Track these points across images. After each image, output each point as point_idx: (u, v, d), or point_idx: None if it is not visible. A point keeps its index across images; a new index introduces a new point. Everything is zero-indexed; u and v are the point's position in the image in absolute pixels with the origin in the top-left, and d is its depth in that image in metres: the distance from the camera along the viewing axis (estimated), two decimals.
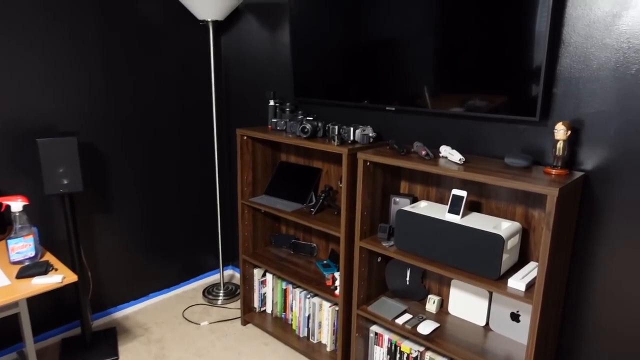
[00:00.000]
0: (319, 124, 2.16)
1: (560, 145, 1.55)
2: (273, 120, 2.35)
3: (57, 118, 2.31)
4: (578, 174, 1.58)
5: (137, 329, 2.63)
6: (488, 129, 1.85)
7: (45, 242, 2.37)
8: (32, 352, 2.15)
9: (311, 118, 2.20)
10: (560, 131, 1.54)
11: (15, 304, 2.04)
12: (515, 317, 1.81)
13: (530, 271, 1.64)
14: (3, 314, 2.00)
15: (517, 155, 1.64)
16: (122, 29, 2.48)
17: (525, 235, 1.78)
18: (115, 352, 2.39)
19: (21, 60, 2.15)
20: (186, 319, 2.75)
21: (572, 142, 1.64)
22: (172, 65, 2.73)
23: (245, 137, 2.42)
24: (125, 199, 2.67)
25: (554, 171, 1.56)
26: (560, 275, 1.65)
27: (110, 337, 2.51)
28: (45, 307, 2.45)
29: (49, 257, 1.87)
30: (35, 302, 2.41)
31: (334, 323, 2.32)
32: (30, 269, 1.69)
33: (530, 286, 1.57)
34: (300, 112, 2.32)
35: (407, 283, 2.12)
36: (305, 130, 2.11)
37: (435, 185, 2.02)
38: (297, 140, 2.12)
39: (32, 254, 1.79)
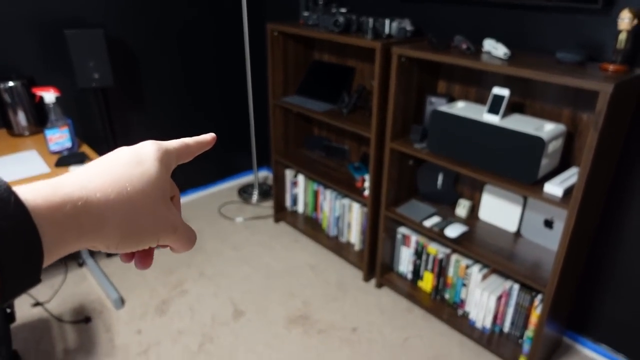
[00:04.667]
0: (353, 17, 2.00)
1: (622, 36, 1.36)
2: (305, 14, 2.20)
3: (86, 10, 2.26)
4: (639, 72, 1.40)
5: None
6: (540, 20, 1.65)
7: (84, 137, 2.45)
8: None
9: (344, 10, 2.04)
10: (626, 20, 1.34)
11: None
12: (549, 224, 1.75)
13: (569, 177, 1.55)
14: None
15: (570, 50, 1.47)
16: None
17: (569, 139, 1.66)
18: None
19: None
20: (222, 214, 2.86)
21: (638, 34, 1.44)
22: None
23: (276, 33, 2.30)
24: (160, 96, 2.67)
25: (611, 67, 1.39)
26: (602, 184, 1.54)
27: None
28: None
29: (85, 149, 1.93)
30: None
31: (363, 224, 2.35)
32: (68, 159, 1.75)
33: (568, 192, 1.49)
34: (334, 4, 2.15)
35: (439, 187, 2.08)
36: (338, 23, 1.96)
37: (476, 84, 1.87)
38: (329, 35, 1.98)
39: (69, 144, 1.85)
